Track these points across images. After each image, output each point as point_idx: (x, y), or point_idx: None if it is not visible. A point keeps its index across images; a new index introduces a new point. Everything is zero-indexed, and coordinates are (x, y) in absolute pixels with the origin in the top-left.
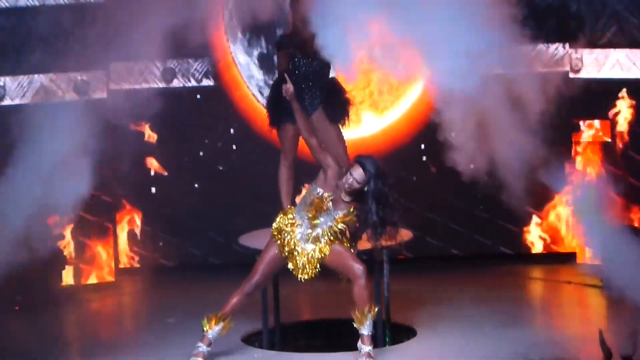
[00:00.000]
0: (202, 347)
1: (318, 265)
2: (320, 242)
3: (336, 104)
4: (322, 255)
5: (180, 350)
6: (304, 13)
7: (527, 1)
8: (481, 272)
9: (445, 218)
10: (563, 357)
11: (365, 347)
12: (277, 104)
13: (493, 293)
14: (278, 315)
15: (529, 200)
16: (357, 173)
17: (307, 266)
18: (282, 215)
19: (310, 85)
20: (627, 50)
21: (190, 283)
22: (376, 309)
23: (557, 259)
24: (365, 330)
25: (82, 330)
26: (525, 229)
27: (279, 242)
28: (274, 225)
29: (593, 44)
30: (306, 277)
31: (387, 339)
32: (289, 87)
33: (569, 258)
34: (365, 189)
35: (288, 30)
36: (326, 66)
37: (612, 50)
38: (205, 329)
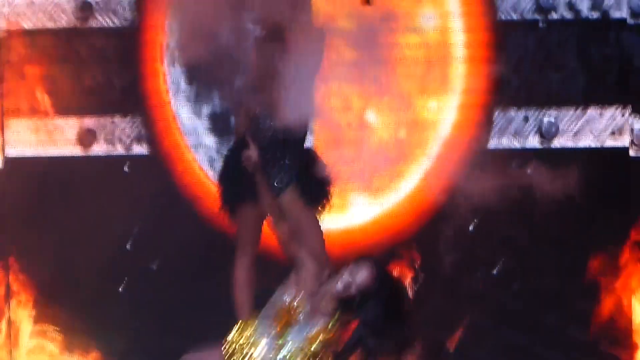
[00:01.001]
0: None
1: None
2: None
3: (313, 182)
4: None
5: None
6: (274, 57)
7: (578, 51)
8: None
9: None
10: None
11: None
12: (232, 180)
13: None
14: None
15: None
16: (362, 274)
17: None
18: (237, 330)
19: (278, 156)
20: None
21: None
22: None
23: None
24: None
25: None
26: None
27: None
28: (226, 345)
29: None
30: None
31: None
32: (251, 153)
33: None
34: (357, 300)
35: (251, 79)
36: (302, 130)
37: None
38: None
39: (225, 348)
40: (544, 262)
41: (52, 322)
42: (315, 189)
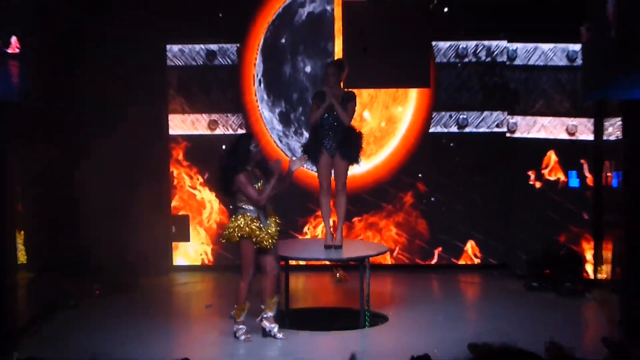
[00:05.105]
0: (242, 326)
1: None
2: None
3: (350, 149)
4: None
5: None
6: (337, 77)
7: (479, 80)
8: (441, 279)
9: (414, 237)
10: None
11: (272, 327)
12: (315, 145)
13: (448, 294)
14: (287, 302)
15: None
16: (252, 144)
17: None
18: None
19: (330, 134)
20: (549, 118)
21: (222, 281)
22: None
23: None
24: (271, 312)
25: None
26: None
27: (252, 238)
28: (241, 232)
29: (525, 112)
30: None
31: (367, 324)
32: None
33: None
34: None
35: (325, 87)
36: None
37: (539, 117)
38: (236, 319)
39: (243, 234)
40: (459, 198)
41: None
42: (355, 153)
